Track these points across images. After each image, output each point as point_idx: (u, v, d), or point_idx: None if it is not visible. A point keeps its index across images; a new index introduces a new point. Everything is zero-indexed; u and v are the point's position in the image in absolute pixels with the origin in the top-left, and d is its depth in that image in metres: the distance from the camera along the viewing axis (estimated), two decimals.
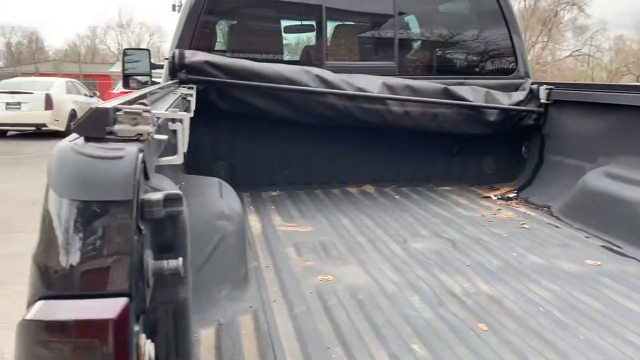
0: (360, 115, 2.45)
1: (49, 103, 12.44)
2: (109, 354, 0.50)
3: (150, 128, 0.58)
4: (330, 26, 2.69)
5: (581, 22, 66.15)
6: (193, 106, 1.65)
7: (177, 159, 0.91)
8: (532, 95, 2.66)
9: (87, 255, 0.52)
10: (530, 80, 2.74)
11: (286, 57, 2.69)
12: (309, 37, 2.71)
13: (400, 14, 2.68)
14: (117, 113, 0.58)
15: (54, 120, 12.72)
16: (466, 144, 2.71)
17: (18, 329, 0.55)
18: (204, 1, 2.45)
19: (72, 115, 13.44)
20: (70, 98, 13.63)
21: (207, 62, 2.27)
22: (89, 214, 0.52)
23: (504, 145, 2.80)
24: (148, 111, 0.59)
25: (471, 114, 2.56)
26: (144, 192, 0.53)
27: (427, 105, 2.46)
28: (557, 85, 2.66)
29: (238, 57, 2.47)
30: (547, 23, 66.07)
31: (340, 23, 2.78)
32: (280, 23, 2.77)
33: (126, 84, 4.15)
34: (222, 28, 2.63)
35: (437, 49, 2.82)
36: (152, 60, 4.45)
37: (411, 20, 2.76)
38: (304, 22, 2.77)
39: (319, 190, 2.58)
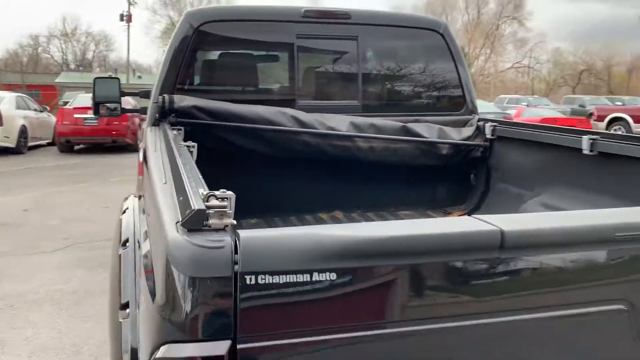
0: (331, 151, 2.75)
1: None
2: None
3: (231, 220, 0.83)
4: (302, 68, 2.98)
5: (521, 35, 69.07)
6: (195, 154, 1.88)
7: None
8: (479, 131, 3.03)
9: (201, 312, 0.77)
10: (477, 117, 3.12)
11: (262, 97, 2.96)
12: (284, 78, 3.00)
13: (363, 57, 3.01)
14: (208, 211, 0.83)
15: (4, 137, 12.47)
16: (423, 173, 3.04)
17: None
18: (187, 44, 2.68)
19: (22, 130, 13.18)
20: (20, 113, 13.36)
21: (194, 107, 2.51)
22: (203, 285, 0.77)
23: (455, 175, 3.15)
24: (227, 207, 0.83)
25: (426, 149, 2.90)
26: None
27: (389, 141, 2.79)
28: (500, 123, 3.05)
29: (219, 94, 2.72)
30: (489, 36, 68.71)
31: (310, 65, 3.08)
32: (257, 63, 3.05)
33: (96, 111, 4.28)
34: (204, 68, 2.86)
35: (396, 89, 3.16)
36: (99, 75, 4.58)
37: (372, 63, 3.09)
38: (280, 65, 3.06)
39: (293, 217, 2.84)
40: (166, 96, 2.50)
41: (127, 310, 1.36)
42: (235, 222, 0.83)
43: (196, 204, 0.86)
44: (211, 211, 0.82)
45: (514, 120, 15.89)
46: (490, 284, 0.86)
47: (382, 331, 0.82)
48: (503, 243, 0.84)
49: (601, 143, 2.33)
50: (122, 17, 41.54)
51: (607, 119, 19.59)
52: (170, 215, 0.93)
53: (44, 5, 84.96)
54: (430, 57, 3.12)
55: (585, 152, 2.34)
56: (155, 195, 1.15)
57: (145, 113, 4.45)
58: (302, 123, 2.63)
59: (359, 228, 0.85)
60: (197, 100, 2.54)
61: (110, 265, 1.73)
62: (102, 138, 13.45)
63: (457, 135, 2.95)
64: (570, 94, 51.43)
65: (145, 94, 4.41)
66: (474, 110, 3.16)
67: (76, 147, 14.32)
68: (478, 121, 3.08)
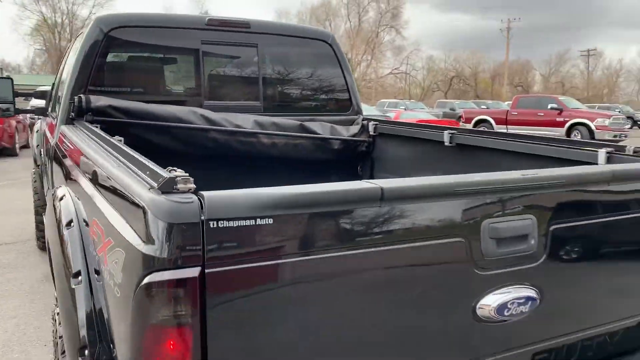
0: (238, 147, 3.04)
1: None
2: (188, 299, 1.03)
3: (193, 185, 1.13)
4: (207, 71, 3.24)
5: (399, 43, 73.21)
6: None
7: None
8: (364, 129, 3.50)
9: (178, 248, 1.05)
10: (361, 117, 3.59)
11: (171, 98, 3.17)
12: (190, 80, 3.24)
13: (263, 62, 3.34)
14: (177, 179, 1.11)
15: None
16: (318, 166, 3.44)
17: (136, 295, 1.05)
18: (98, 48, 2.84)
19: None
20: None
21: (110, 106, 2.67)
22: (179, 229, 1.05)
23: (346, 167, 3.58)
24: (189, 176, 1.13)
25: (321, 144, 3.30)
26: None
27: (289, 137, 3.14)
28: (380, 122, 3.54)
29: (129, 95, 2.90)
30: (370, 43, 71.96)
31: (215, 69, 3.35)
32: (165, 67, 3.26)
33: None
34: (114, 71, 3.02)
35: (293, 92, 3.53)
36: None
37: (271, 68, 3.43)
38: (186, 69, 3.29)
39: None
40: (83, 96, 2.64)
41: (79, 278, 1.58)
42: (195, 186, 1.13)
43: (165, 174, 1.15)
44: (178, 178, 1.11)
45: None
46: (374, 224, 1.24)
47: (303, 258, 1.16)
48: (383, 196, 1.22)
49: (457, 136, 2.90)
50: None
51: (473, 121, 21.57)
52: (141, 185, 1.20)
53: None
54: (321, 64, 3.53)
55: (446, 144, 2.90)
56: (115, 174, 1.41)
57: (41, 113, 4.42)
58: (211, 121, 2.90)
59: (284, 188, 1.19)
60: (113, 100, 2.71)
61: (51, 245, 1.89)
62: None
63: (346, 132, 3.38)
64: (442, 98, 55.54)
65: (41, 95, 4.40)
66: (359, 111, 3.62)
67: None
68: (363, 120, 3.55)
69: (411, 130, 3.26)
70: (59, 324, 1.84)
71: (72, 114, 2.67)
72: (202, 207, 1.07)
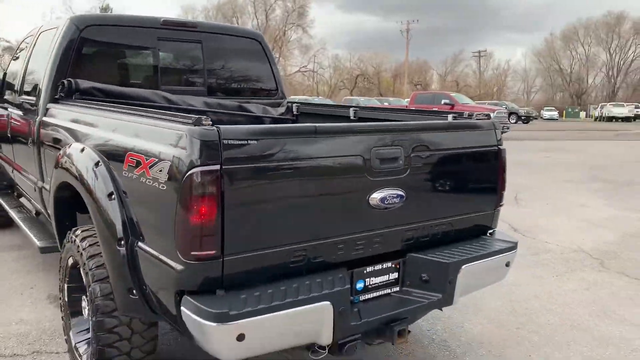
0: None
1: None
2: (213, 181, 1.89)
3: (210, 122, 1.96)
4: (162, 63, 3.99)
5: (306, 41, 74.58)
6: None
7: None
8: (289, 109, 4.40)
9: (207, 154, 1.89)
10: (286, 100, 4.49)
11: (134, 82, 3.88)
12: (149, 70, 3.97)
13: (207, 55, 4.14)
14: (202, 118, 1.95)
15: None
16: None
17: (184, 181, 1.88)
18: (74, 42, 3.51)
19: None
20: None
21: (93, 88, 3.34)
22: (208, 144, 1.89)
23: None
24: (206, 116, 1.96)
25: (255, 121, 4.13)
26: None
27: (231, 115, 3.95)
28: (301, 104, 4.47)
29: (100, 82, 3.59)
30: (277, 41, 72.79)
31: (169, 61, 4.10)
32: (129, 59, 3.97)
33: None
34: (87, 62, 3.67)
35: (230, 79, 4.34)
36: None
37: (213, 60, 4.22)
38: (146, 60, 4.02)
39: None
40: (72, 80, 3.32)
41: (113, 196, 2.36)
42: (212, 122, 1.96)
43: (194, 116, 1.99)
44: (202, 118, 1.95)
45: None
46: (311, 146, 2.14)
47: (273, 164, 2.04)
48: (316, 130, 2.15)
49: (359, 112, 3.88)
50: None
51: None
52: (179, 123, 2.02)
53: None
54: (253, 57, 4.38)
55: (352, 117, 3.86)
56: (145, 121, 2.23)
57: None
58: (170, 101, 3.65)
59: (262, 126, 2.08)
60: (95, 83, 3.40)
61: (88, 179, 2.56)
62: None
63: (275, 112, 4.26)
64: (348, 95, 57.70)
65: None
66: (283, 96, 4.52)
67: None
68: (287, 103, 4.45)
69: (325, 109, 4.22)
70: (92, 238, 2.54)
71: (61, 94, 3.34)
72: (219, 133, 1.93)
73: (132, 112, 2.52)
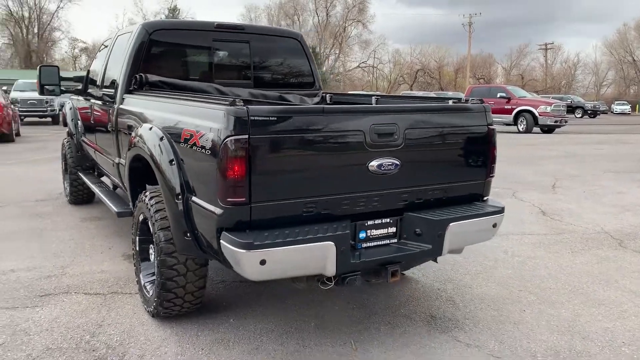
0: None
1: None
2: (244, 147, 2.54)
3: (242, 102, 2.62)
4: (216, 60, 4.74)
5: (366, 37, 74.91)
6: None
7: None
8: (323, 99, 5.04)
9: (240, 126, 2.57)
10: (321, 91, 5.13)
11: (193, 77, 4.65)
12: (205, 66, 4.72)
13: (253, 53, 4.85)
14: (236, 100, 2.61)
15: None
16: None
17: (223, 145, 2.54)
18: (145, 44, 4.30)
19: None
20: None
21: (160, 81, 4.13)
22: (240, 120, 2.55)
23: None
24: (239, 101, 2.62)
25: None
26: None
27: (271, 104, 4.62)
28: (334, 94, 5.10)
29: (165, 77, 4.36)
30: (337, 37, 73.50)
31: (222, 59, 4.84)
32: (189, 57, 4.75)
33: (42, 92, 5.63)
34: (155, 60, 4.46)
35: (274, 73, 5.05)
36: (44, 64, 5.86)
37: (259, 58, 4.93)
38: (202, 58, 4.77)
39: None
40: (142, 74, 4.11)
41: (173, 162, 3.08)
42: (244, 103, 2.62)
43: (229, 99, 2.66)
44: (236, 100, 2.61)
45: None
46: (320, 123, 2.76)
47: (290, 135, 2.66)
48: (324, 110, 2.77)
49: (380, 99, 4.44)
50: None
51: None
52: (219, 104, 2.70)
53: None
54: (293, 55, 5.05)
55: (374, 104, 4.43)
56: (196, 105, 2.95)
57: (79, 93, 5.82)
58: (221, 92, 4.37)
59: (281, 106, 2.72)
60: (161, 77, 4.16)
61: (154, 152, 3.32)
62: None
63: (310, 101, 4.91)
64: (407, 90, 57.66)
65: (79, 79, 5.84)
66: (319, 88, 5.16)
67: None
68: (322, 94, 5.10)
69: (353, 98, 4.82)
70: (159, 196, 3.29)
71: (134, 86, 4.14)
72: (248, 111, 2.60)
73: (186, 98, 3.25)
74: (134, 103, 4.00)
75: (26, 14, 55.63)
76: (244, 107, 2.59)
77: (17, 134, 15.65)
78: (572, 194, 8.09)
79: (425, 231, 3.09)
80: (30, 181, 8.52)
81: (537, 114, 20.20)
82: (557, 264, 4.79)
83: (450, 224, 3.09)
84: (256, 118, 2.60)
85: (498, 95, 21.16)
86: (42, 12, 56.20)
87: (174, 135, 3.16)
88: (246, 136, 2.57)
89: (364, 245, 3.03)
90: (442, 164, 3.26)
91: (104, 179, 5.85)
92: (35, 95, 19.94)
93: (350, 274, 2.93)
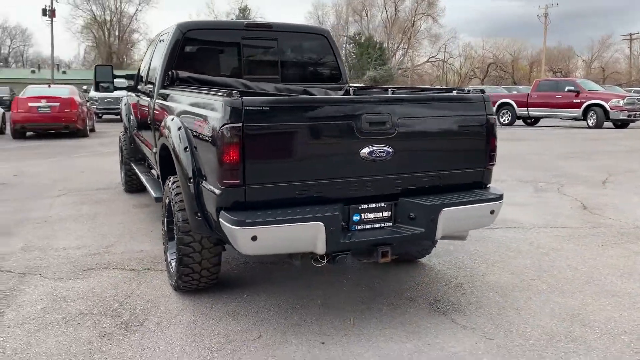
0: None
1: None
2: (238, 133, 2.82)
3: (238, 94, 2.89)
4: (245, 57, 5.06)
5: (435, 31, 73.54)
6: None
7: None
8: (347, 92, 5.24)
9: (235, 116, 2.85)
10: (347, 85, 5.33)
11: (223, 74, 5.00)
12: (235, 63, 5.07)
13: (281, 50, 5.14)
14: (232, 92, 2.90)
15: None
16: None
17: (220, 132, 2.83)
18: (179, 43, 4.69)
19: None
20: None
21: (190, 77, 4.50)
22: (236, 109, 2.83)
23: None
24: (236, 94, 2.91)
25: None
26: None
27: (336, 97, 4.85)
28: (358, 87, 5.28)
29: (198, 73, 4.73)
30: (406, 32, 72.69)
31: (251, 55, 5.16)
32: (220, 54, 5.12)
33: (97, 89, 6.17)
34: (189, 58, 4.85)
35: (301, 69, 5.31)
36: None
37: (287, 54, 5.21)
38: (233, 55, 5.12)
39: None
40: (174, 71, 4.49)
41: (187, 149, 3.41)
42: (240, 95, 2.89)
43: (227, 91, 2.94)
44: (233, 92, 2.89)
45: None
46: (312, 114, 2.98)
47: (280, 123, 2.91)
48: (314, 101, 3.01)
49: (396, 91, 4.58)
50: (44, 12, 41.24)
51: (496, 105, 22.76)
52: (218, 96, 2.99)
53: None
54: (320, 50, 5.28)
55: (389, 95, 4.58)
56: (204, 97, 3.25)
57: (131, 90, 6.32)
58: (247, 87, 4.68)
59: (272, 97, 2.97)
60: (191, 74, 4.54)
61: (173, 139, 3.68)
62: (54, 124, 14.87)
63: (334, 94, 5.13)
64: (479, 85, 56.15)
65: (131, 76, 6.34)
66: (345, 82, 5.36)
67: (28, 134, 15.59)
68: (348, 87, 5.30)
69: (375, 90, 4.99)
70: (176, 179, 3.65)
71: (167, 82, 4.53)
72: (242, 102, 2.87)
73: (198, 92, 3.57)
74: (165, 97, 4.39)
75: (108, 18, 59.09)
76: (239, 98, 2.86)
77: (92, 130, 16.85)
78: (621, 189, 7.82)
79: (419, 216, 3.25)
80: (95, 172, 9.27)
81: (608, 108, 19.26)
82: (581, 256, 4.75)
83: (444, 209, 3.23)
84: (250, 108, 2.87)
85: (566, 89, 20.34)
86: (122, 16, 59.53)
87: (188, 124, 3.49)
88: (240, 124, 2.84)
89: (358, 227, 3.23)
90: (438, 152, 3.39)
91: (153, 170, 6.35)
92: (111, 94, 21.31)
93: (340, 253, 3.14)
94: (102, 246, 4.96)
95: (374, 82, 56.57)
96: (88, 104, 16.61)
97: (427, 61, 75.54)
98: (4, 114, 16.17)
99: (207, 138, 3.08)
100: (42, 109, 14.55)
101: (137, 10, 61.17)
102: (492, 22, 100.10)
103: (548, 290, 3.97)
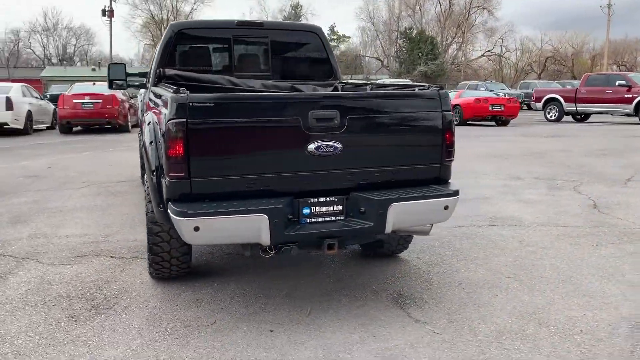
0: None
1: (9, 105, 14.32)
2: (182, 129, 3.00)
3: (186, 91, 3.05)
4: (236, 54, 5.23)
5: (491, 24, 71.58)
6: None
7: None
8: (336, 89, 5.30)
9: (181, 111, 3.00)
10: (337, 82, 5.38)
11: (215, 71, 5.19)
12: (226, 60, 5.24)
13: (272, 47, 5.26)
14: (180, 89, 3.06)
15: (15, 120, 14.61)
16: None
17: (166, 126, 3.01)
18: (172, 42, 4.91)
19: (29, 115, 15.33)
20: (26, 100, 15.52)
21: (175, 75, 4.71)
22: (182, 105, 2.99)
23: None
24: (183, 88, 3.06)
25: None
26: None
27: (281, 93, 5.01)
28: (346, 84, 5.34)
29: (190, 71, 4.93)
30: (460, 26, 71.11)
31: (242, 53, 5.32)
32: (212, 52, 5.31)
33: (110, 86, 6.49)
34: (181, 56, 5.07)
35: (293, 66, 5.42)
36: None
37: (278, 51, 5.33)
38: (224, 53, 5.30)
39: None
40: (160, 69, 4.72)
41: (153, 143, 3.61)
42: (188, 91, 3.04)
43: (175, 89, 3.10)
44: (180, 89, 3.04)
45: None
46: (257, 110, 3.12)
47: (224, 119, 3.05)
48: (258, 98, 3.13)
49: (374, 87, 4.61)
50: (104, 12, 43.10)
51: (543, 100, 22.07)
52: (168, 94, 3.15)
53: (24, 0, 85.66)
54: (312, 47, 5.37)
55: (368, 91, 4.63)
56: (165, 94, 3.43)
57: (143, 87, 6.61)
58: (233, 83, 4.84)
59: (217, 94, 3.10)
60: (177, 71, 4.75)
61: (144, 132, 3.90)
62: (97, 119, 15.66)
63: (323, 91, 5.21)
64: (536, 79, 54.29)
65: (143, 74, 6.63)
66: (337, 78, 5.42)
67: (74, 129, 16.48)
68: (338, 84, 5.36)
69: (359, 86, 5.05)
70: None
71: (156, 80, 4.76)
72: (187, 98, 3.02)
73: (163, 89, 3.76)
74: (151, 94, 4.62)
75: (165, 17, 60.99)
76: (185, 95, 3.02)
77: (135, 125, 17.56)
78: None
79: (368, 210, 3.30)
80: (121, 165, 9.73)
81: None
82: (568, 255, 4.64)
83: (393, 204, 3.27)
84: (195, 104, 3.01)
85: (617, 84, 19.45)
86: (178, 14, 61.24)
87: (156, 121, 3.68)
88: (184, 120, 2.99)
89: (309, 220, 3.32)
90: (391, 148, 3.43)
91: None
92: None
93: (286, 245, 3.24)
94: (102, 235, 5.26)
95: (424, 77, 55.80)
96: (132, 101, 17.32)
97: (482, 55, 73.67)
98: (55, 110, 17.12)
99: (162, 132, 3.25)
100: (85, 105, 15.35)
101: (192, 9, 62.75)
102: (551, 14, 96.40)
103: (518, 288, 3.93)
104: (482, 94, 20.95)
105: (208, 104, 3.03)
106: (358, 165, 3.35)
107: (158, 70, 4.75)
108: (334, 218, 3.37)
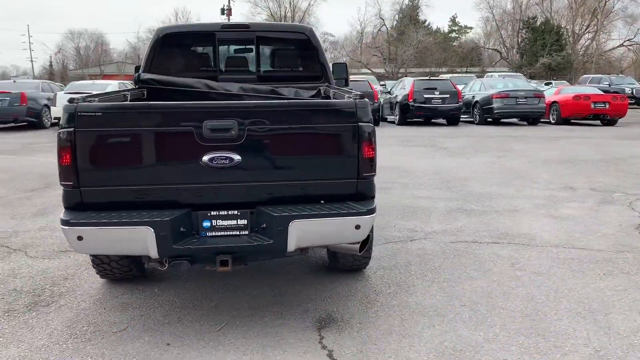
0: None
1: None
2: (70, 137, 3.06)
3: (80, 102, 3.12)
4: (221, 57, 5.20)
5: (632, 10, 64.61)
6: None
7: None
8: (319, 92, 5.04)
9: (69, 121, 3.06)
10: (326, 84, 5.09)
11: (199, 74, 5.18)
12: (211, 63, 5.22)
13: (258, 50, 5.15)
14: (75, 100, 3.12)
15: None
16: None
17: (59, 135, 3.09)
18: (157, 45, 5.00)
19: None
20: None
21: (150, 79, 4.80)
22: (69, 114, 3.07)
23: None
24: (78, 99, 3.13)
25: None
26: None
27: (262, 98, 4.86)
28: (328, 86, 5.06)
29: (175, 73, 4.98)
30: (595, 14, 65.04)
31: (227, 55, 5.27)
32: (196, 55, 5.34)
33: None
34: (166, 59, 5.15)
35: (279, 68, 5.26)
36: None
37: (265, 54, 5.21)
38: (208, 56, 5.28)
39: None
40: (136, 74, 4.84)
41: None
42: (97, 99, 3.07)
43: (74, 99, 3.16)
44: (75, 100, 3.09)
45: (548, 97, 16.67)
46: (147, 120, 3.04)
47: (112, 129, 3.02)
48: (149, 107, 3.06)
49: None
50: (222, 11, 45.39)
51: None
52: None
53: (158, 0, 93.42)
54: (301, 49, 5.17)
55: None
56: None
57: None
58: (210, 87, 4.82)
59: (107, 104, 3.09)
60: (153, 75, 4.81)
61: None
62: None
63: (306, 94, 4.98)
64: None
65: None
66: (327, 80, 5.15)
67: None
68: (324, 87, 5.10)
69: (346, 91, 4.77)
70: None
71: (136, 84, 4.89)
72: (76, 107, 3.05)
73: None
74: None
75: (283, 13, 62.85)
76: (74, 104, 3.05)
77: None
78: None
79: (269, 226, 3.12)
80: None
81: None
82: (557, 285, 4.06)
83: (294, 221, 3.06)
84: (83, 113, 3.03)
85: None
86: (296, 11, 62.79)
87: None
88: (72, 129, 3.03)
89: (210, 233, 3.21)
90: (298, 161, 3.20)
91: None
92: None
93: (177, 258, 3.16)
94: None
95: (548, 70, 51.98)
96: None
97: (621, 45, 66.90)
98: None
99: None
100: None
101: (309, 5, 64.01)
102: None
103: (465, 319, 3.51)
104: (585, 89, 18.95)
105: (96, 113, 3.03)
106: (261, 179, 3.18)
107: (135, 75, 4.86)
108: (238, 232, 3.22)
